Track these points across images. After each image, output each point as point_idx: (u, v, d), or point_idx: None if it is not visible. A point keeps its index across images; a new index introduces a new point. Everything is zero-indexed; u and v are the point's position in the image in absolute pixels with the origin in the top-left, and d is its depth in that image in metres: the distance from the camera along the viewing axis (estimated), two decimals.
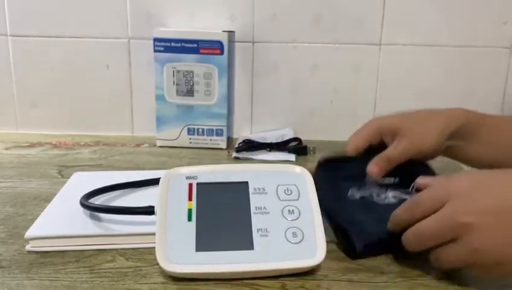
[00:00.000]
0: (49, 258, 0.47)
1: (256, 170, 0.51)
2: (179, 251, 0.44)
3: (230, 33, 0.81)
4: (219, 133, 0.82)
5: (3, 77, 0.87)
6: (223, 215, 0.47)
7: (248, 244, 0.45)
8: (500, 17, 0.83)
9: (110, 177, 0.60)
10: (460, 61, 0.85)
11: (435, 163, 0.59)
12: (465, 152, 0.58)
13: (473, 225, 0.40)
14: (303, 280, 0.44)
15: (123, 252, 0.48)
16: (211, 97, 0.80)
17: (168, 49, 0.78)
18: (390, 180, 0.56)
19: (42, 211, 0.54)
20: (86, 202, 0.52)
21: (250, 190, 0.48)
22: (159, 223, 0.45)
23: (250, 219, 0.46)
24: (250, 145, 0.79)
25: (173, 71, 0.79)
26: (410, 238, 0.44)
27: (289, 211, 0.47)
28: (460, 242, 0.41)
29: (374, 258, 0.48)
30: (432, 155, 0.58)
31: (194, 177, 0.49)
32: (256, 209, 0.47)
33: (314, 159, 0.78)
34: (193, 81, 0.80)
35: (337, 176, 0.57)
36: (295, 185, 0.49)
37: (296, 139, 0.82)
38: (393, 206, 0.47)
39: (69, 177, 0.64)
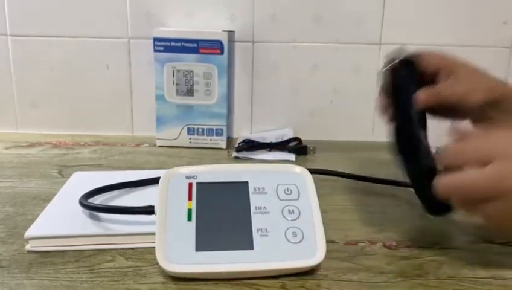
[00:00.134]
0: (48, 258, 0.47)
1: (256, 170, 0.51)
2: (178, 250, 0.44)
3: (230, 33, 0.81)
4: (219, 133, 0.82)
5: (3, 76, 0.87)
6: (222, 215, 0.47)
7: (248, 244, 0.44)
8: (500, 17, 0.83)
9: (110, 177, 0.60)
10: None
11: None
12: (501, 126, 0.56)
13: None
14: (303, 280, 0.44)
15: (123, 252, 0.48)
16: (211, 97, 0.80)
17: (168, 49, 0.78)
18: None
19: (42, 210, 0.54)
20: (86, 201, 0.52)
21: (250, 189, 0.48)
22: (159, 222, 0.45)
23: (250, 219, 0.46)
24: (250, 145, 0.79)
25: (173, 71, 0.79)
26: (449, 186, 0.43)
27: (289, 210, 0.47)
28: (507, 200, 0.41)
29: (374, 258, 0.48)
30: (469, 113, 0.56)
31: (193, 177, 0.49)
32: (256, 209, 0.47)
33: (314, 159, 0.79)
34: (193, 81, 0.80)
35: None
36: (295, 184, 0.49)
37: (296, 139, 0.82)
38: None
39: (68, 177, 0.64)
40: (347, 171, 0.67)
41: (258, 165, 0.56)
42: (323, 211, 0.47)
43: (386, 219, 0.57)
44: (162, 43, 0.78)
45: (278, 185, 0.49)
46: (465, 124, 0.56)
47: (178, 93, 0.80)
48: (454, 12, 0.84)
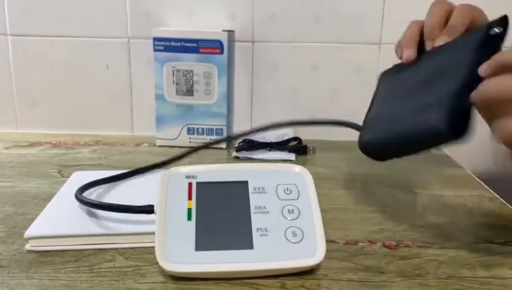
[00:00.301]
0: (48, 258, 0.47)
1: (256, 170, 0.51)
2: (178, 250, 0.44)
3: (230, 32, 0.81)
4: (219, 132, 0.82)
5: (3, 76, 0.87)
6: (222, 214, 0.47)
7: (248, 244, 0.44)
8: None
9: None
10: None
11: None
12: None
13: None
14: (303, 279, 0.44)
15: (123, 252, 0.48)
16: (211, 96, 0.80)
17: (167, 49, 0.78)
18: None
19: (42, 210, 0.54)
20: (85, 198, 0.52)
21: (250, 189, 0.48)
22: (159, 222, 0.45)
23: (250, 219, 0.46)
24: (250, 145, 0.79)
25: (173, 70, 0.79)
26: (490, 89, 0.43)
27: (289, 210, 0.47)
28: None
29: (374, 258, 0.48)
30: None
31: (193, 177, 0.49)
32: (256, 208, 0.47)
33: (314, 159, 0.79)
34: (193, 81, 0.80)
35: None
36: (295, 184, 0.49)
37: (296, 138, 0.82)
38: None
39: (68, 177, 0.64)
40: (347, 170, 0.67)
41: (257, 165, 0.56)
42: (323, 211, 0.47)
43: (386, 218, 0.57)
44: (162, 43, 0.78)
45: (278, 184, 0.49)
46: None
47: (178, 93, 0.80)
48: None
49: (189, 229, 0.45)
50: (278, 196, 0.48)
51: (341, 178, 0.69)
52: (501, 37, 0.50)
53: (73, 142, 0.84)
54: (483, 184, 0.68)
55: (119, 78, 0.87)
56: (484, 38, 0.49)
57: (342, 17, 0.84)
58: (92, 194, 0.57)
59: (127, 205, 0.50)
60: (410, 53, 0.54)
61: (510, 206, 0.61)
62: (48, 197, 0.57)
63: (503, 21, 0.51)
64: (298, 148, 0.80)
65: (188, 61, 0.79)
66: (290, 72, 0.87)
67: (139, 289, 0.43)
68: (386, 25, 0.84)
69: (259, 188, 0.49)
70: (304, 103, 0.88)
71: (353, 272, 0.46)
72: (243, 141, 0.80)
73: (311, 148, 0.80)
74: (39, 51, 0.86)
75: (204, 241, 0.44)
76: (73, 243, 0.49)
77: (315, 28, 0.85)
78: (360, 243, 0.51)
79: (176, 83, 0.80)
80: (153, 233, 0.45)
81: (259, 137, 0.82)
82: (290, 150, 0.79)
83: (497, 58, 0.44)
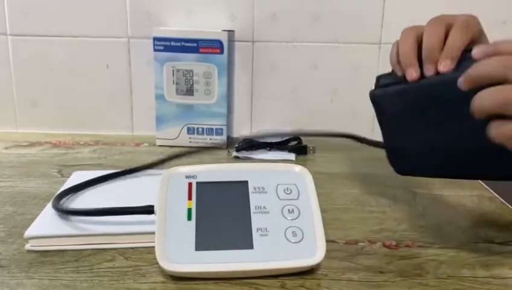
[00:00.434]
0: (48, 258, 0.47)
1: (256, 169, 0.51)
2: (178, 250, 0.44)
3: (230, 32, 0.81)
4: (219, 132, 0.82)
5: (3, 76, 0.87)
6: (222, 214, 0.47)
7: (248, 244, 0.44)
8: (499, 17, 0.83)
9: None
10: None
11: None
12: None
13: None
14: (303, 279, 0.44)
15: (122, 252, 0.48)
16: (211, 96, 0.80)
17: (167, 49, 0.78)
18: None
19: (42, 210, 0.54)
20: (84, 209, 0.52)
21: (250, 189, 0.48)
22: (159, 222, 0.45)
23: (250, 218, 0.46)
24: (250, 145, 0.79)
25: (173, 70, 0.79)
26: (487, 96, 0.42)
27: (289, 210, 0.47)
28: None
29: (374, 258, 0.48)
30: None
31: (193, 177, 0.49)
32: (256, 208, 0.47)
33: (314, 159, 0.79)
34: (193, 81, 0.80)
35: None
36: (295, 184, 0.49)
37: (296, 138, 0.82)
38: None
39: (68, 177, 0.64)
40: (347, 170, 0.67)
41: (257, 165, 0.56)
42: (323, 211, 0.47)
43: (386, 218, 0.57)
44: (162, 43, 0.78)
45: (278, 184, 0.49)
46: None
47: (178, 92, 0.80)
48: (454, 11, 0.83)
49: (189, 229, 0.45)
50: (278, 196, 0.48)
51: (341, 178, 0.69)
52: None
53: (73, 142, 0.84)
54: (483, 184, 0.68)
55: (119, 78, 0.87)
56: None
57: (341, 17, 0.84)
58: (90, 196, 0.57)
59: (127, 207, 0.50)
60: (413, 73, 0.53)
61: (510, 206, 0.61)
62: (48, 197, 0.57)
63: None
64: (298, 148, 0.80)
65: (188, 61, 0.79)
66: (290, 72, 0.87)
67: (139, 289, 0.43)
68: (386, 25, 0.84)
69: (259, 188, 0.49)
70: (304, 102, 0.88)
71: (353, 272, 0.46)
72: (243, 140, 0.80)
73: (311, 148, 0.80)
74: (39, 51, 0.86)
75: (204, 241, 0.44)
76: (73, 243, 0.49)
77: (315, 27, 0.85)
78: (360, 243, 0.51)
79: (176, 83, 0.80)
80: (153, 233, 0.45)
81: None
82: (290, 150, 0.79)
83: (471, 73, 0.45)
